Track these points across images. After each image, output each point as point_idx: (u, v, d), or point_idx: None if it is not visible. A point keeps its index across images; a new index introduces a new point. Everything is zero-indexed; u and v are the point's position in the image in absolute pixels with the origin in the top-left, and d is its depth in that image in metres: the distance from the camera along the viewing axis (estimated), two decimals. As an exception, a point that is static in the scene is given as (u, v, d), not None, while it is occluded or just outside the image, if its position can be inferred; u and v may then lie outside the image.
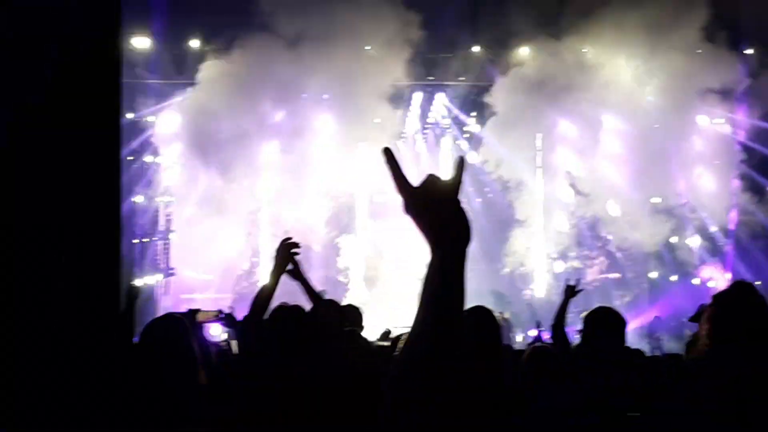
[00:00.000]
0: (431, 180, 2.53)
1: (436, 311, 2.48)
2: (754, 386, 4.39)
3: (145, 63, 23.59)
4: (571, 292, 8.56)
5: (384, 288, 28.87)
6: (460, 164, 2.56)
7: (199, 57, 24.07)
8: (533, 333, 23.83)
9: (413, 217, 2.52)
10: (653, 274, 29.64)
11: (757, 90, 23.40)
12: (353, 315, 7.54)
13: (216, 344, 9.61)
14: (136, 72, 23.49)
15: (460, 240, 2.50)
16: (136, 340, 5.66)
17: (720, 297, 4.88)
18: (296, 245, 6.38)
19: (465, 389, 2.45)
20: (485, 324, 5.63)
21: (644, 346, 22.99)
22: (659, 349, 23.58)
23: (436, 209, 2.52)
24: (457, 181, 2.52)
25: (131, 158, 25.21)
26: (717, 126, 25.60)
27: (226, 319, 7.10)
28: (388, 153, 2.50)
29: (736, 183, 25.96)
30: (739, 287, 4.91)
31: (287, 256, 6.30)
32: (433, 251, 2.50)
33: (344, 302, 8.55)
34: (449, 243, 2.50)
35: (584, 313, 6.48)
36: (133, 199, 25.61)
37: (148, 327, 5.37)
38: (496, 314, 18.73)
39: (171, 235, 27.91)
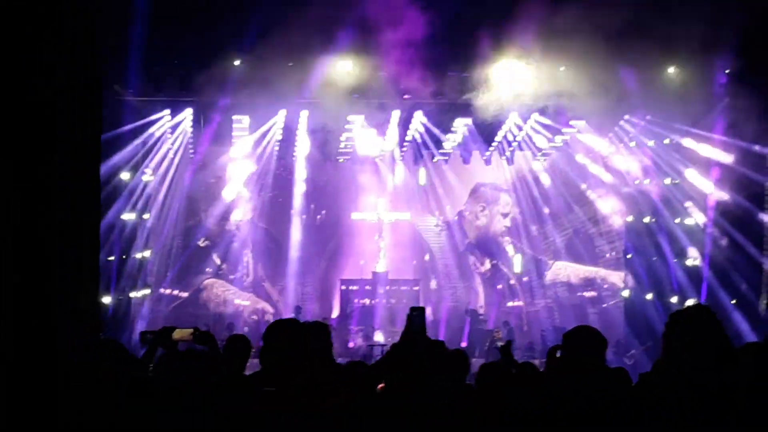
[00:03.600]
0: None
1: None
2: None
3: (122, 79, 23.58)
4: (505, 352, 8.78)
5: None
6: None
7: (178, 74, 24.08)
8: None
9: None
10: (626, 293, 29.83)
11: (734, 110, 23.23)
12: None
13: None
14: (115, 88, 23.49)
15: None
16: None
17: (674, 317, 5.02)
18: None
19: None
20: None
21: (620, 364, 23.11)
22: (633, 367, 23.70)
23: None
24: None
25: (111, 174, 25.16)
26: (700, 148, 25.63)
27: (201, 336, 7.04)
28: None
29: (713, 204, 26.00)
30: (695, 310, 5.04)
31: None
32: None
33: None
34: None
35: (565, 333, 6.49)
36: (112, 216, 25.54)
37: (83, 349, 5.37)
38: (493, 333, 18.97)
39: (147, 252, 27.97)
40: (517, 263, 31.54)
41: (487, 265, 31.72)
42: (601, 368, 6.01)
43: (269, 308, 30.29)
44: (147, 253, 27.93)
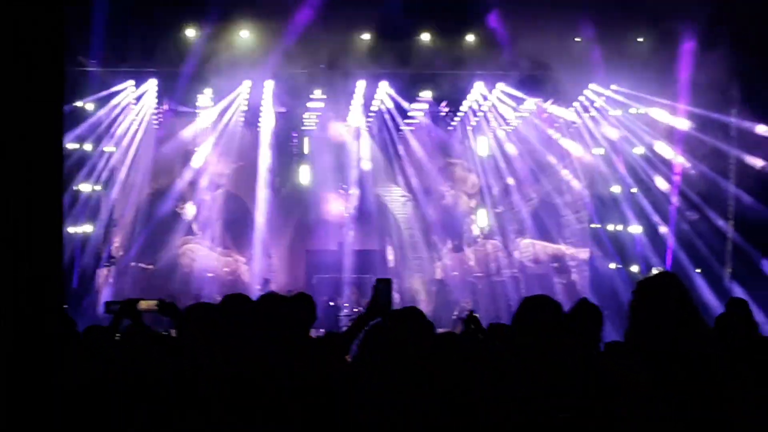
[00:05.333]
0: None
1: None
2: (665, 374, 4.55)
3: (86, 50, 23.39)
4: (468, 324, 8.77)
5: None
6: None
7: (142, 44, 23.95)
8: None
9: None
10: (591, 262, 29.97)
11: (699, 79, 23.24)
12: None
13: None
14: (78, 59, 23.31)
15: None
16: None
17: (642, 285, 5.03)
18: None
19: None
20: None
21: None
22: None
23: None
24: None
25: (74, 146, 25.05)
26: (666, 117, 25.73)
27: (165, 308, 7.02)
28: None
29: (678, 173, 26.11)
30: (662, 277, 5.05)
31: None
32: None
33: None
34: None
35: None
36: (75, 188, 25.43)
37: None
38: (466, 311, 18.87)
39: (112, 223, 27.89)
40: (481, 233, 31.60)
41: (449, 244, 31.68)
42: (558, 337, 5.88)
43: (241, 263, 30.25)
44: (112, 224, 27.86)
